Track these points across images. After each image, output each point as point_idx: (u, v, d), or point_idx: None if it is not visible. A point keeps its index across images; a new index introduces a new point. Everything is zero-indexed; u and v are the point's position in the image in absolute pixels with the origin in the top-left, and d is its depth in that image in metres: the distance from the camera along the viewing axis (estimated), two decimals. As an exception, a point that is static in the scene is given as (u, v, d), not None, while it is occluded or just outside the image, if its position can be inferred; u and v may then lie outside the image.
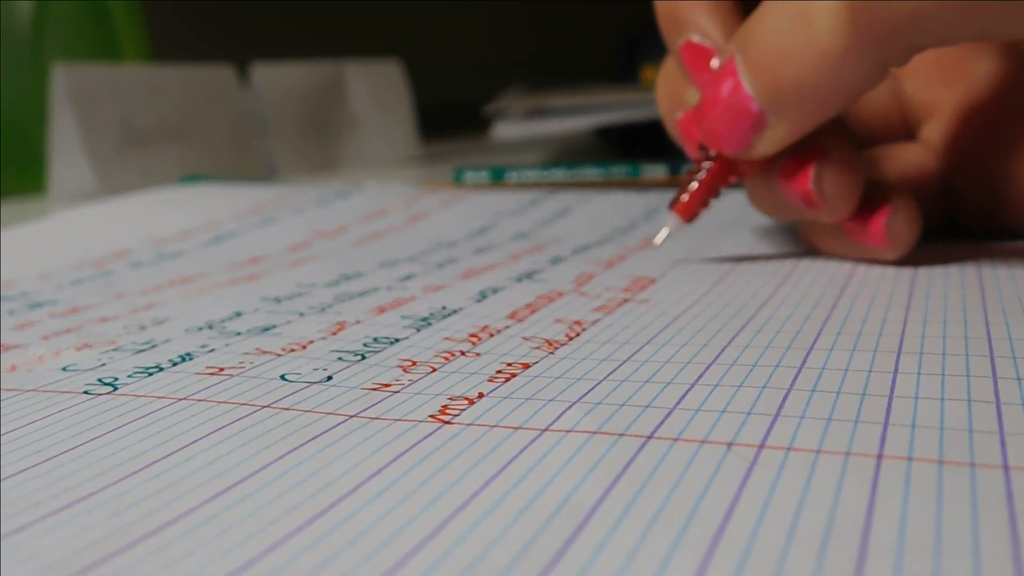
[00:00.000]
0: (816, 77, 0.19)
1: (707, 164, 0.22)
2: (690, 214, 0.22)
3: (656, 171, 0.39)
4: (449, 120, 0.79)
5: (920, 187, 0.25)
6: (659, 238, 0.23)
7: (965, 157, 0.25)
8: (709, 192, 0.22)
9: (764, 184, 0.22)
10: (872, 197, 0.22)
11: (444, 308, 0.20)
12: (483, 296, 0.21)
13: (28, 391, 0.16)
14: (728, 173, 0.22)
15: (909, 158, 0.25)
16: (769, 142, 0.21)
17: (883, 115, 0.26)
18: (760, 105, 0.20)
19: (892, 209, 0.22)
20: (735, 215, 0.31)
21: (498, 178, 0.42)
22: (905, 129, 0.27)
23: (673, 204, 0.23)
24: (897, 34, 0.18)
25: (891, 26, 0.18)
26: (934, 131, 0.26)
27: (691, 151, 0.24)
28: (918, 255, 0.23)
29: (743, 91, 0.20)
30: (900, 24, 0.18)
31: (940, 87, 0.26)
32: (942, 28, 0.18)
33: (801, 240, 0.25)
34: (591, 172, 0.40)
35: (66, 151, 0.48)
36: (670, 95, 0.25)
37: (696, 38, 0.22)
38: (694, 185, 0.22)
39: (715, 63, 0.22)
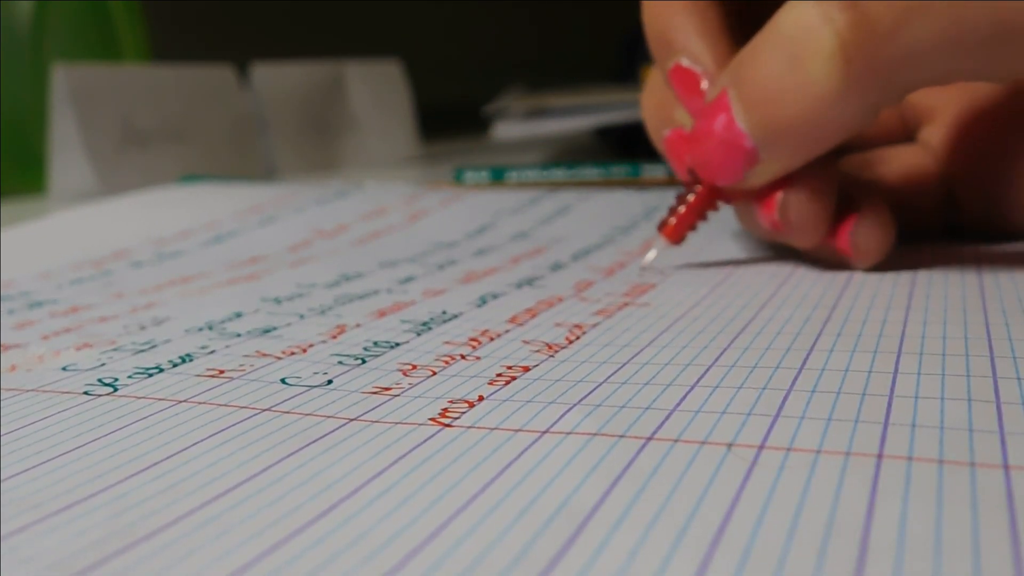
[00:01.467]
0: (810, 120, 0.19)
1: (696, 187, 0.22)
2: (678, 236, 0.23)
3: (656, 171, 0.39)
4: (449, 120, 0.79)
5: (919, 190, 0.25)
6: (647, 259, 0.23)
7: (964, 160, 0.25)
8: (697, 216, 0.23)
9: (747, 207, 0.22)
10: (847, 204, 0.22)
11: (444, 313, 0.20)
12: (483, 301, 0.21)
13: (28, 391, 0.16)
14: (715, 198, 0.22)
15: (908, 161, 0.25)
16: (761, 176, 0.21)
17: (882, 118, 0.26)
18: (753, 142, 0.20)
19: (858, 219, 0.21)
20: (733, 218, 0.31)
21: (498, 178, 0.42)
22: (903, 131, 0.27)
23: (661, 227, 0.23)
24: (891, 77, 0.18)
25: (885, 70, 0.18)
26: (933, 134, 0.26)
27: (679, 170, 0.24)
28: (918, 257, 0.23)
29: (736, 128, 0.20)
30: (894, 68, 0.18)
31: (940, 90, 0.26)
32: (935, 70, 0.18)
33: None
34: (591, 172, 0.40)
35: (66, 151, 0.48)
36: (656, 110, 0.25)
37: (686, 62, 0.22)
38: (682, 208, 0.22)
39: (704, 84, 0.22)
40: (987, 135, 0.25)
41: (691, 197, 0.22)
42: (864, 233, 0.21)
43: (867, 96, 0.19)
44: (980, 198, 0.25)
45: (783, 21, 0.19)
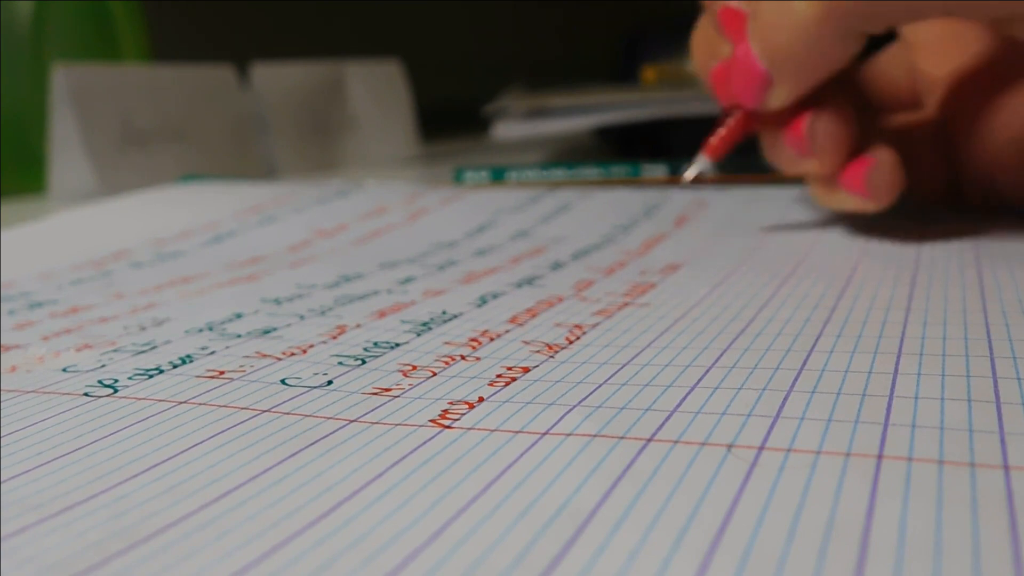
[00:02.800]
0: (799, 44, 0.23)
1: (736, 112, 0.26)
2: (718, 154, 0.26)
3: (656, 171, 0.39)
4: (449, 120, 0.79)
5: (918, 147, 0.27)
6: (689, 174, 0.27)
7: (966, 123, 0.27)
8: (734, 137, 0.26)
9: (773, 137, 0.26)
10: (861, 151, 0.25)
11: (444, 313, 0.20)
12: (483, 301, 0.21)
13: (28, 392, 0.16)
14: (750, 123, 0.26)
15: (908, 121, 0.28)
16: (777, 98, 0.24)
17: (898, 93, 0.30)
18: (764, 65, 0.24)
19: (874, 162, 0.24)
20: (734, 217, 0.31)
21: (498, 178, 0.42)
22: (915, 102, 0.29)
23: (704, 146, 0.27)
24: (861, 7, 0.22)
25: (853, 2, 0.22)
26: (936, 100, 0.28)
27: (723, 99, 0.27)
28: (918, 256, 0.23)
29: (751, 54, 0.24)
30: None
31: (949, 63, 0.28)
32: (898, 8, 0.22)
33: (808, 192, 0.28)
34: (591, 172, 0.40)
35: (66, 151, 0.48)
36: (705, 48, 0.28)
37: (733, 3, 0.25)
38: (723, 131, 0.26)
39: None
40: (987, 102, 0.26)
41: (731, 121, 0.26)
42: (879, 174, 0.24)
43: (843, 23, 0.22)
44: (981, 164, 0.27)
45: None
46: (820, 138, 0.24)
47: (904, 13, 0.23)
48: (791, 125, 0.25)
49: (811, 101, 0.24)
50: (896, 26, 0.24)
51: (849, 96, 0.25)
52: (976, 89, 0.27)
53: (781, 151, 0.25)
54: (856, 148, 0.24)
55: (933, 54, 0.29)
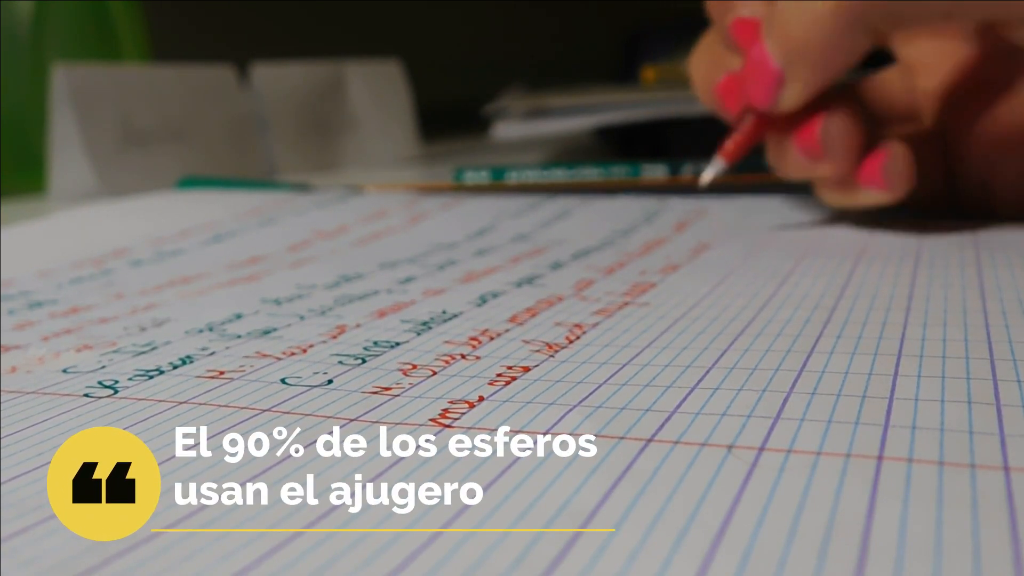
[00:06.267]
0: (815, 38, 0.24)
1: (749, 117, 0.27)
2: (733, 158, 0.27)
3: (656, 171, 0.39)
4: (449, 120, 0.79)
5: (918, 149, 0.27)
6: (706, 176, 0.27)
7: (962, 129, 0.28)
8: (749, 141, 0.27)
9: (782, 145, 0.26)
10: (870, 150, 0.25)
11: (444, 312, 0.20)
12: (483, 300, 0.21)
13: (29, 393, 0.16)
14: (763, 127, 0.27)
15: (910, 131, 0.28)
16: (790, 97, 0.25)
17: (897, 106, 0.30)
18: (777, 63, 0.24)
19: (889, 153, 0.25)
20: (733, 223, 0.31)
21: (498, 178, 0.42)
22: (913, 117, 0.30)
23: (720, 149, 0.27)
24: (874, 5, 0.23)
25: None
26: (933, 105, 0.29)
27: (731, 110, 0.28)
28: (918, 258, 0.23)
29: (765, 52, 0.25)
30: None
31: (946, 79, 0.28)
32: (910, 5, 0.23)
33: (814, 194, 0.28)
34: (591, 172, 0.40)
35: (66, 151, 0.48)
36: (710, 62, 0.29)
37: (746, 12, 0.26)
38: (737, 136, 0.27)
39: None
40: (978, 106, 0.27)
41: (744, 125, 0.27)
42: (895, 164, 0.25)
43: (858, 17, 0.23)
44: (977, 172, 0.27)
45: None
46: (833, 140, 0.25)
47: (914, 10, 0.24)
48: (803, 130, 0.25)
49: (821, 106, 0.25)
50: (907, 23, 0.25)
51: (853, 106, 0.26)
52: (970, 98, 0.28)
53: (791, 158, 0.26)
54: (865, 149, 0.25)
55: (931, 72, 0.29)
